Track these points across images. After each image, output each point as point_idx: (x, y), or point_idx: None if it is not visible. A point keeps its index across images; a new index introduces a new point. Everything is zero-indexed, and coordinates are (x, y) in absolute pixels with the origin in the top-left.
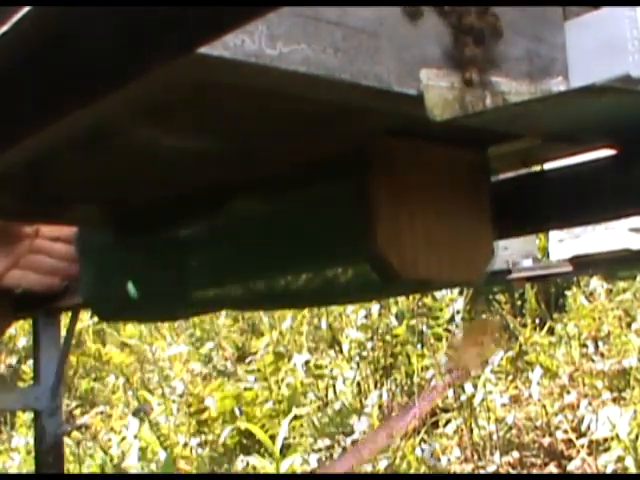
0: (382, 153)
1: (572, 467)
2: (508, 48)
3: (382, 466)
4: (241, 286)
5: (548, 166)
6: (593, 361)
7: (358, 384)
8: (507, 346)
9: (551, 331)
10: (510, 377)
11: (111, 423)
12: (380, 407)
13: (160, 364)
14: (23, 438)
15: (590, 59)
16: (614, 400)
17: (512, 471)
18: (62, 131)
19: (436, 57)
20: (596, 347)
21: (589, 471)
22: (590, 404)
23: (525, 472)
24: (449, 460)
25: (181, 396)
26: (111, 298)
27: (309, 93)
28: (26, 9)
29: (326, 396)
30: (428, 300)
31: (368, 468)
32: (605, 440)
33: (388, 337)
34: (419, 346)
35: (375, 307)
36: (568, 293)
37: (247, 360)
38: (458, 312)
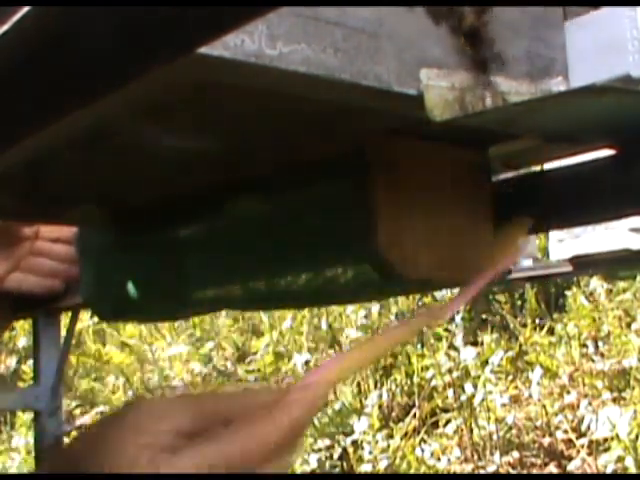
0: (382, 153)
1: (572, 467)
2: (508, 48)
3: (382, 466)
4: (241, 286)
5: (548, 166)
6: (593, 361)
7: (358, 384)
8: (507, 346)
9: (551, 331)
10: (510, 377)
11: None
12: (380, 407)
13: (160, 364)
14: (23, 438)
15: (590, 59)
16: (614, 400)
17: (512, 471)
18: (62, 131)
19: (436, 57)
20: (596, 347)
21: (589, 471)
22: (590, 404)
23: (525, 472)
24: (449, 460)
25: None
26: (111, 298)
27: (309, 93)
28: (26, 9)
29: None
30: (428, 300)
31: (368, 468)
32: (605, 440)
33: None
34: (419, 346)
35: (375, 307)
36: (568, 293)
37: (247, 360)
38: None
